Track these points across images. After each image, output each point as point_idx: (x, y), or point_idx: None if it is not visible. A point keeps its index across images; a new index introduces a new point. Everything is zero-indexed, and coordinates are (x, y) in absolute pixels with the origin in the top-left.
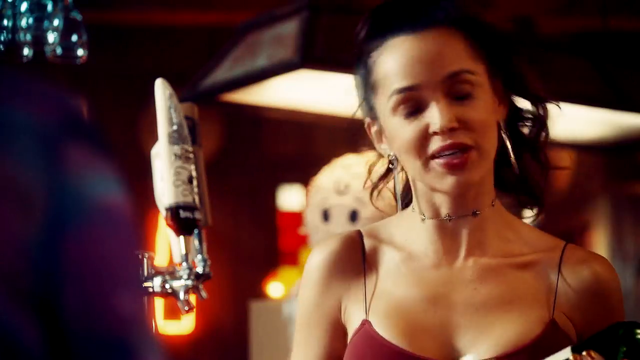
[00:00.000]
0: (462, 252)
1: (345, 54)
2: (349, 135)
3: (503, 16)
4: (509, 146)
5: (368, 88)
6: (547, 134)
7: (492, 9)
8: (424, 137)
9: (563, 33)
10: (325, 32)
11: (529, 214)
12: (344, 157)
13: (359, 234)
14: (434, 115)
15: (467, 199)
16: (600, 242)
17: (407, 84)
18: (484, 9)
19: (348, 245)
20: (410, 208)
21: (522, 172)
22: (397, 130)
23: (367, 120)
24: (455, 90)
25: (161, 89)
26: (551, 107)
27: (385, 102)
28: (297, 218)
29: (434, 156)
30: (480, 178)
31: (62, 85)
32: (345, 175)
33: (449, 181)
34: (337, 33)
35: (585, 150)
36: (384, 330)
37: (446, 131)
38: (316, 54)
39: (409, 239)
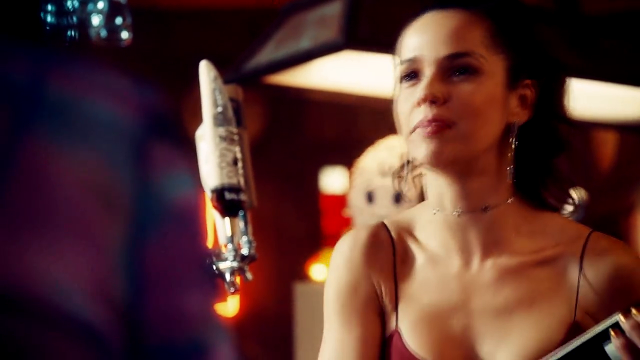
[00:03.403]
0: (478, 251)
1: (389, 35)
2: (393, 118)
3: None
4: (510, 155)
5: (395, 65)
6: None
7: None
8: (413, 108)
9: (608, 13)
10: (369, 13)
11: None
12: (387, 138)
13: (385, 227)
14: (422, 85)
15: (470, 192)
16: None
17: (410, 56)
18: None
19: (378, 236)
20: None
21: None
22: (397, 101)
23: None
24: (455, 70)
25: (206, 71)
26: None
27: (396, 74)
28: (340, 200)
29: (416, 128)
30: (459, 160)
31: (141, 77)
32: (389, 157)
33: (421, 150)
34: (381, 14)
35: (628, 130)
36: (412, 341)
37: (427, 102)
38: (360, 35)
39: (428, 235)
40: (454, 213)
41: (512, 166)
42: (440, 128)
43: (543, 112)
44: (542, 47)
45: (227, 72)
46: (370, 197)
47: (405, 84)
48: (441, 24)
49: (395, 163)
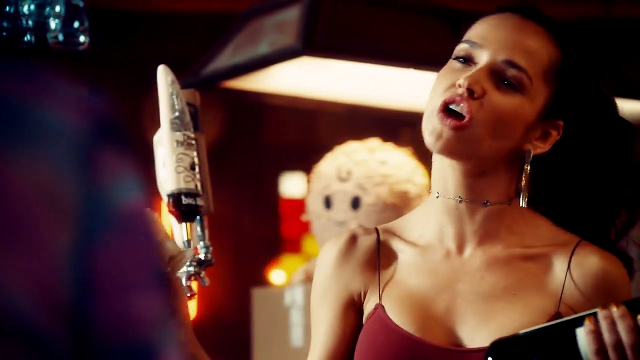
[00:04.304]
0: (472, 240)
1: (347, 40)
2: (351, 123)
3: (506, 4)
4: (523, 181)
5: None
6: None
7: None
8: (449, 87)
9: (565, 20)
10: (327, 18)
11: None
12: (346, 144)
13: (375, 229)
14: (469, 72)
15: (472, 187)
16: None
17: (475, 39)
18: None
19: (359, 239)
20: (430, 194)
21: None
22: (440, 72)
23: None
24: (504, 76)
25: (163, 76)
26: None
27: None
28: (299, 205)
29: (442, 104)
30: (467, 156)
31: (90, 85)
32: (347, 162)
33: (432, 136)
34: (339, 20)
35: None
36: (395, 315)
37: (464, 88)
38: (318, 41)
39: (425, 227)
40: (456, 199)
41: (526, 192)
42: (457, 126)
43: (563, 155)
44: (598, 100)
45: (185, 76)
46: (328, 202)
47: (455, 64)
48: (517, 29)
49: (353, 168)
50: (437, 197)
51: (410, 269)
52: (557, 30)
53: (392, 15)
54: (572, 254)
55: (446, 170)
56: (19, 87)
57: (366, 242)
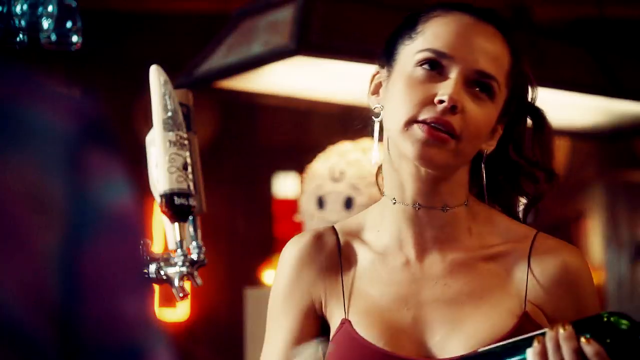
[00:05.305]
0: (432, 246)
1: (340, 40)
2: (344, 122)
3: (499, 3)
4: (484, 181)
5: (406, 33)
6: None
7: None
8: (426, 100)
9: (559, 20)
10: (320, 18)
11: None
12: (339, 144)
13: (334, 230)
14: (448, 86)
15: (434, 192)
16: (595, 230)
17: (445, 50)
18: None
19: (322, 240)
20: (383, 198)
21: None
22: (407, 80)
23: (377, 68)
24: (476, 85)
25: (156, 76)
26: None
27: (414, 52)
28: (292, 205)
29: (420, 121)
30: (445, 167)
31: (82, 85)
32: (340, 162)
33: (416, 148)
34: (333, 19)
35: (580, 137)
36: (363, 329)
37: (448, 105)
38: (312, 41)
39: (381, 231)
40: (414, 206)
41: (485, 190)
42: (445, 137)
43: (505, 149)
44: (528, 94)
45: (178, 76)
46: (320, 202)
47: (422, 70)
48: (482, 36)
49: (346, 168)
50: (394, 204)
51: (370, 279)
52: (506, 30)
53: (385, 15)
54: (531, 250)
55: (405, 177)
56: (10, 87)
57: (329, 244)
